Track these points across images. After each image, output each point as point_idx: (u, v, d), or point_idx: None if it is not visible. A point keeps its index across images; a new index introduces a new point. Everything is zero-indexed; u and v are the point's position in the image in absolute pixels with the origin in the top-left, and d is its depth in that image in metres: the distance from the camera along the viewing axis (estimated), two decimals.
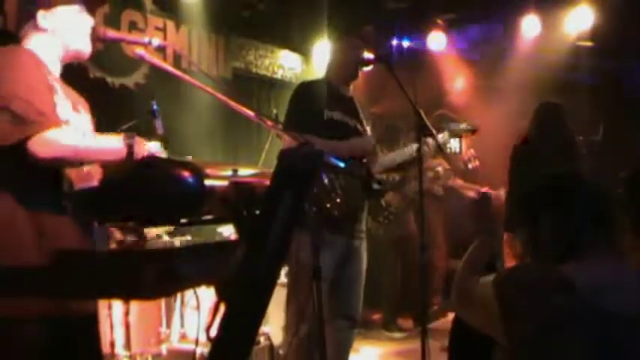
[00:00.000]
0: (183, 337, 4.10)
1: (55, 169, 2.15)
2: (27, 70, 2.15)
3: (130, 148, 2.10)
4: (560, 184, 1.68)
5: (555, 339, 1.43)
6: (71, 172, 2.21)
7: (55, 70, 2.31)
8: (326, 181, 3.17)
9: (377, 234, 5.73)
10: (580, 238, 1.58)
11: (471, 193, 5.67)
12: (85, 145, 2.14)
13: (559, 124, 4.48)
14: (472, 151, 4.80)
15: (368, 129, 3.65)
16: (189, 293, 3.91)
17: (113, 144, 2.13)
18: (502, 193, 5.05)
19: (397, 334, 5.91)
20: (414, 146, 3.50)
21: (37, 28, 2.28)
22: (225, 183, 1.63)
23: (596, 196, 1.62)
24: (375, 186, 3.36)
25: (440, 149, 3.65)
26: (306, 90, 3.55)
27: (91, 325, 2.31)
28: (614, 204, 1.66)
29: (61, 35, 2.30)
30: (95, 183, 2.06)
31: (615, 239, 1.58)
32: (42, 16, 2.27)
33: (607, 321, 1.42)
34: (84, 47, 2.36)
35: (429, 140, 3.52)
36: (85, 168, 2.28)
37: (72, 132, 2.18)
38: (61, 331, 2.09)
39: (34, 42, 2.28)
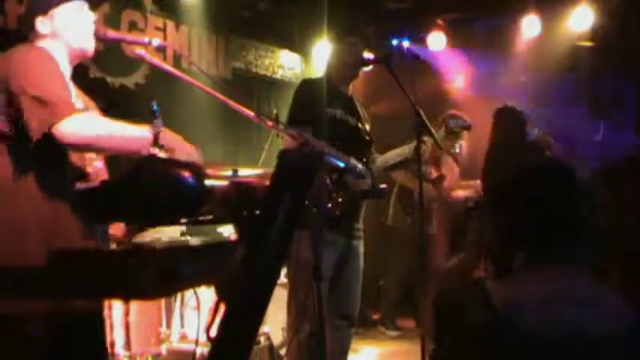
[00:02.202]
0: (183, 337, 4.09)
1: (62, 166, 2.15)
2: (44, 63, 2.16)
3: (157, 137, 2.09)
4: (508, 186, 1.55)
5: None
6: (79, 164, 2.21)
7: (66, 72, 2.31)
8: (328, 180, 3.17)
9: (397, 223, 5.68)
10: (524, 247, 1.47)
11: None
12: (112, 131, 2.13)
13: (519, 129, 4.51)
14: None
15: (368, 127, 3.65)
16: (189, 293, 3.91)
17: (140, 132, 2.11)
18: None
19: (393, 333, 5.92)
20: (413, 145, 3.50)
21: (38, 35, 2.28)
22: (225, 183, 1.63)
23: (552, 200, 1.46)
24: (379, 185, 3.37)
25: (440, 148, 3.65)
26: (308, 87, 3.55)
27: (95, 322, 2.31)
28: (582, 207, 1.47)
29: (62, 36, 2.29)
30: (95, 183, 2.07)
31: (577, 249, 1.44)
32: (40, 22, 2.27)
33: (526, 343, 1.34)
34: (87, 45, 2.35)
35: (428, 139, 3.52)
36: (89, 169, 2.29)
37: (99, 117, 2.18)
38: (66, 329, 2.09)
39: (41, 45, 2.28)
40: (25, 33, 2.33)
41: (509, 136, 4.30)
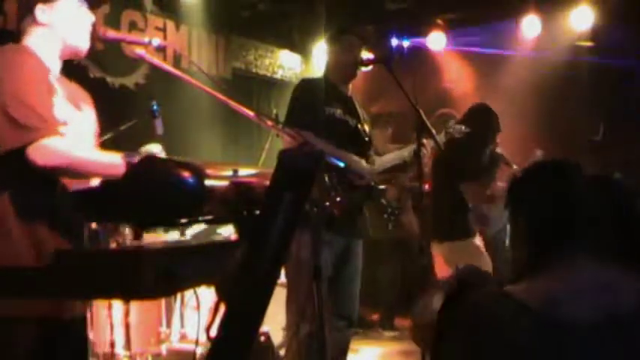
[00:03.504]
0: (183, 337, 4.10)
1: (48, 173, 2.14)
2: (26, 70, 2.13)
3: (130, 165, 2.07)
4: (523, 185, 1.58)
5: None
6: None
7: (55, 66, 2.29)
8: (327, 180, 3.17)
9: (379, 234, 5.73)
10: (545, 245, 1.50)
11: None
12: (85, 158, 2.12)
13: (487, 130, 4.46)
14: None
15: (367, 128, 3.65)
16: (189, 293, 3.91)
17: (113, 160, 2.08)
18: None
19: (392, 334, 5.93)
20: (411, 147, 3.50)
21: (35, 22, 2.26)
22: (225, 183, 1.63)
23: (562, 197, 1.50)
24: (376, 186, 3.38)
25: (440, 149, 3.65)
26: (307, 87, 3.55)
27: (79, 325, 2.30)
28: (592, 203, 1.54)
29: (60, 29, 2.27)
30: (94, 184, 2.07)
31: (596, 242, 1.47)
32: (41, 10, 2.25)
33: (566, 333, 1.37)
34: (82, 43, 2.33)
35: (428, 141, 3.52)
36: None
37: (73, 142, 2.16)
38: (51, 332, 2.08)
39: (32, 37, 2.26)
40: (20, 17, 2.31)
41: (475, 133, 4.24)
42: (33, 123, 2.04)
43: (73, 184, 2.15)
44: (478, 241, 4.31)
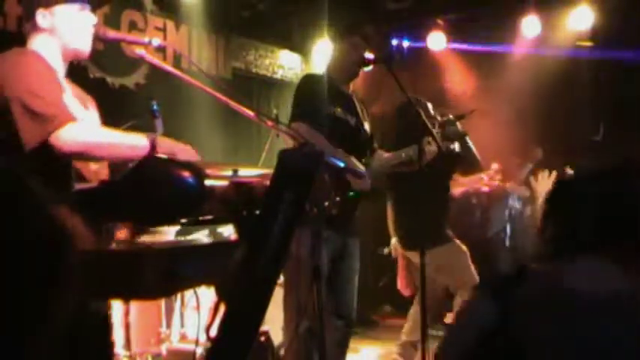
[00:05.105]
0: (183, 337, 4.09)
1: (65, 166, 2.15)
2: (36, 69, 2.16)
3: (154, 144, 2.08)
4: (561, 189, 1.61)
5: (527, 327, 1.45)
6: (82, 171, 2.21)
7: (60, 69, 2.31)
8: (328, 180, 3.17)
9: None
10: (559, 246, 1.53)
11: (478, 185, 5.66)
12: (109, 140, 2.14)
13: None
14: (495, 165, 4.84)
15: (367, 126, 3.65)
16: (189, 293, 3.90)
17: (137, 140, 2.10)
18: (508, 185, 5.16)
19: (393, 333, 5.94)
20: (412, 147, 3.50)
21: (36, 27, 2.27)
22: (225, 183, 1.64)
23: (600, 198, 1.52)
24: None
25: (440, 148, 3.65)
26: (310, 82, 3.56)
27: (101, 326, 2.30)
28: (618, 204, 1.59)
29: (60, 34, 2.29)
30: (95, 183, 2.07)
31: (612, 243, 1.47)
32: (41, 15, 2.27)
33: (570, 298, 1.41)
34: (83, 47, 2.34)
35: (429, 141, 3.52)
36: (93, 167, 2.29)
37: (95, 126, 2.18)
38: (71, 331, 2.08)
39: (35, 42, 2.27)
40: (23, 22, 2.33)
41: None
42: (51, 111, 2.06)
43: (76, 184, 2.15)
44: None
